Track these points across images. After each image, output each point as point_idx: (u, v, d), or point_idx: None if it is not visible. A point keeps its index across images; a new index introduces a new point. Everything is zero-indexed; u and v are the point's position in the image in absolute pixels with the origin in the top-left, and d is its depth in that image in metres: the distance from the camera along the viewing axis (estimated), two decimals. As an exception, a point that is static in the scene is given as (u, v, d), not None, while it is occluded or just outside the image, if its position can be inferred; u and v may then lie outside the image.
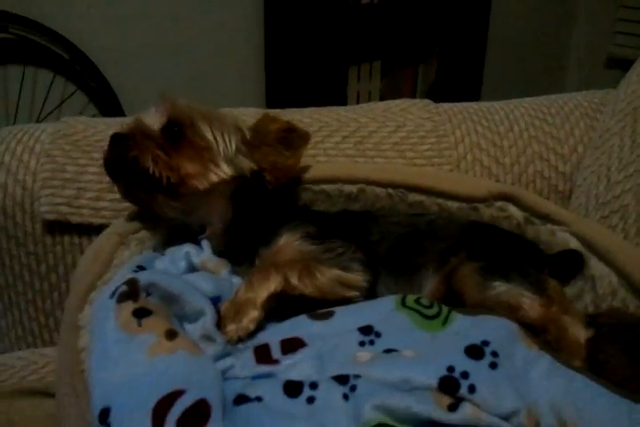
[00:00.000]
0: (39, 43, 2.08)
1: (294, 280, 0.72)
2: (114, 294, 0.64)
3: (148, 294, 0.65)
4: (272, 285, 0.71)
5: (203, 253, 0.80)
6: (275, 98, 2.47)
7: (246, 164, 0.83)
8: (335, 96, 2.49)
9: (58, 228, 0.98)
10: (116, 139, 0.78)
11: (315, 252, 0.77)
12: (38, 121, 2.16)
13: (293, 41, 2.33)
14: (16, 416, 0.82)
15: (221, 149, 0.81)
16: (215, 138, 0.80)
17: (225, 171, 0.80)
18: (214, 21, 2.32)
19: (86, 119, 1.08)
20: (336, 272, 0.75)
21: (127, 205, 0.95)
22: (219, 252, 0.81)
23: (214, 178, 0.80)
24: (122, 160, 0.78)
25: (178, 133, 0.80)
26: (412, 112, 1.12)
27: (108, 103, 2.23)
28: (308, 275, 0.74)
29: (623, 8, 2.92)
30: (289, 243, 0.78)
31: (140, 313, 0.62)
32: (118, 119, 1.09)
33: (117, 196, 0.95)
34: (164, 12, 2.23)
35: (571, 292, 0.83)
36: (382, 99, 2.63)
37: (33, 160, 0.99)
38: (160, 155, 0.77)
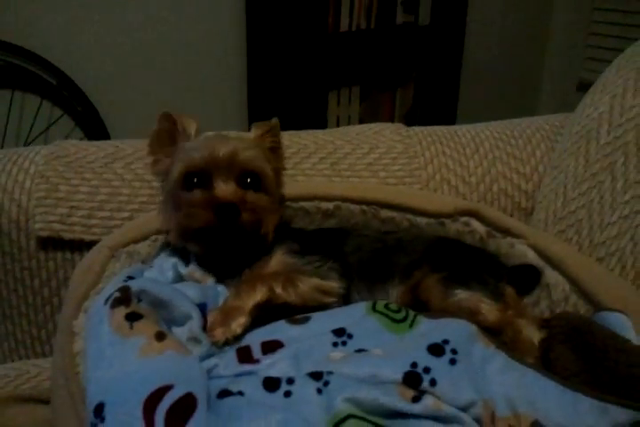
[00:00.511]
0: (27, 69, 2.13)
1: (279, 290, 0.79)
2: (107, 300, 0.70)
3: (139, 300, 0.71)
4: (258, 294, 0.77)
5: (190, 264, 0.86)
6: (256, 121, 2.51)
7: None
8: (316, 120, 2.56)
9: (51, 244, 1.04)
10: (230, 206, 0.80)
11: (296, 264, 0.84)
12: (25, 145, 2.21)
13: (275, 67, 2.39)
14: (9, 422, 0.87)
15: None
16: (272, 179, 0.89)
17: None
18: (198, 50, 2.40)
19: (77, 142, 1.15)
20: (315, 281, 0.82)
21: (117, 222, 1.02)
22: (204, 266, 0.87)
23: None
24: (232, 226, 0.80)
25: (257, 184, 0.85)
26: (385, 135, 1.20)
27: (93, 127, 2.28)
28: (290, 284, 0.80)
29: (593, 35, 3.05)
30: (273, 257, 0.85)
31: (132, 317, 0.68)
32: (108, 142, 1.16)
33: (108, 213, 1.02)
34: (148, 39, 2.30)
35: (528, 299, 0.90)
36: (361, 122, 2.70)
37: (28, 180, 1.04)
38: (261, 213, 0.83)
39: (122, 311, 0.69)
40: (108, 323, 0.68)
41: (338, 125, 2.67)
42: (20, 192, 1.04)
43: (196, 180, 0.83)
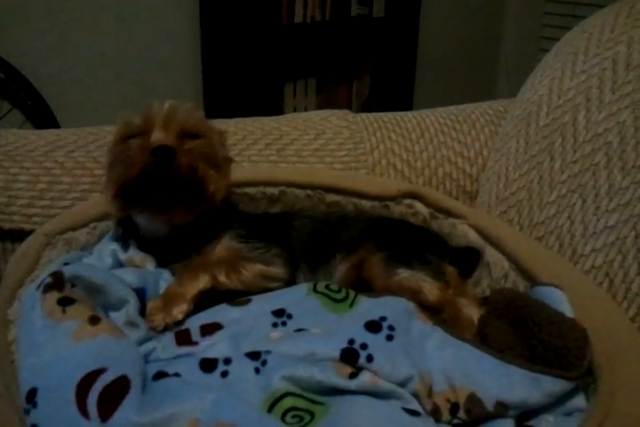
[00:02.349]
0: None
1: (222, 278, 0.78)
2: (40, 285, 0.69)
3: (73, 286, 0.70)
4: (201, 282, 0.76)
5: (129, 250, 0.85)
6: (212, 115, 2.50)
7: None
8: (272, 113, 2.53)
9: (-10, 235, 1.02)
10: (166, 150, 0.77)
11: (241, 250, 0.83)
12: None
13: (230, 60, 2.39)
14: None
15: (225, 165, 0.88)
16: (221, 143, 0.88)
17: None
18: (151, 39, 2.36)
19: (17, 131, 1.13)
20: (259, 267, 0.81)
21: (57, 211, 1.00)
22: (159, 252, 0.85)
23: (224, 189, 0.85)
24: (169, 170, 0.77)
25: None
26: (331, 121, 1.20)
27: (44, 120, 2.24)
28: (234, 272, 0.79)
29: (546, 27, 3.10)
30: (219, 241, 0.84)
31: (65, 302, 0.67)
32: (49, 131, 1.14)
33: (48, 202, 1.00)
34: (99, 31, 2.26)
35: (470, 279, 0.91)
36: (318, 115, 2.72)
37: (-35, 171, 1.02)
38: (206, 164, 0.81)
39: (54, 296, 0.67)
40: (40, 308, 0.67)
41: (294, 118, 2.66)
42: (-43, 183, 1.01)
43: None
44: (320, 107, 2.71)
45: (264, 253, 0.83)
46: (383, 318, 0.70)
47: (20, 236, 1.01)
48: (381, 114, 1.27)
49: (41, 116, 2.23)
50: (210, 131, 0.86)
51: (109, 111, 2.30)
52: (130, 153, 0.78)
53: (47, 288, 0.68)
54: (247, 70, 2.39)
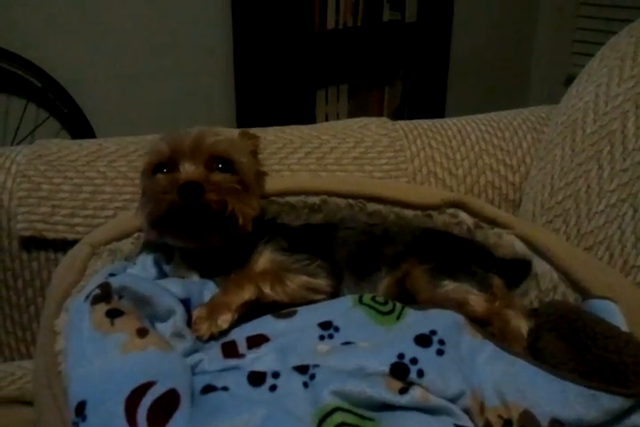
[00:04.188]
0: (10, 71, 2.12)
1: (267, 289, 0.77)
2: (88, 297, 0.69)
3: (120, 297, 0.70)
4: (246, 293, 0.76)
5: (173, 261, 0.85)
6: (245, 122, 2.53)
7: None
8: (304, 118, 2.55)
9: (34, 244, 1.02)
10: (193, 186, 0.78)
11: (285, 262, 0.82)
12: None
13: (262, 66, 2.39)
14: (-5, 424, 0.85)
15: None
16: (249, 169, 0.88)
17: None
18: (185, 50, 2.38)
19: (59, 141, 1.13)
20: (304, 279, 0.80)
21: (100, 220, 1.00)
22: (189, 262, 0.86)
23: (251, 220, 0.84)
24: (196, 206, 0.78)
25: (229, 169, 0.83)
26: (371, 129, 1.19)
27: (80, 129, 2.27)
28: (278, 283, 0.79)
29: (579, 30, 3.06)
30: (262, 254, 0.83)
31: (113, 313, 0.67)
32: (90, 141, 1.15)
33: (91, 212, 1.00)
34: (134, 39, 2.29)
35: (517, 290, 0.89)
36: (350, 121, 2.71)
37: (9, 180, 1.03)
38: (234, 195, 0.81)
39: (102, 308, 0.67)
40: (88, 320, 0.67)
41: (327, 124, 2.66)
42: (1, 192, 1.02)
43: (164, 170, 0.82)
44: (352, 113, 2.71)
45: (308, 265, 0.82)
46: (433, 332, 0.69)
47: (62, 246, 1.02)
48: (420, 121, 1.25)
49: (77, 124, 2.26)
50: (239, 153, 0.86)
51: (144, 119, 2.36)
52: (158, 189, 0.79)
53: (95, 300, 0.68)
54: (279, 76, 2.39)
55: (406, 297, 0.83)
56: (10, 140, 2.20)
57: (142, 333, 0.66)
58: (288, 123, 2.33)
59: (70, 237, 1.00)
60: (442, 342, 0.68)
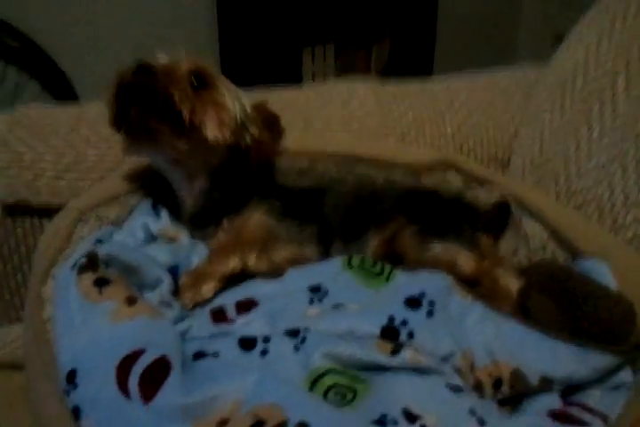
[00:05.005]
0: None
1: (251, 262, 0.76)
2: (74, 266, 0.68)
3: (107, 266, 0.69)
4: (230, 263, 0.75)
5: (161, 222, 0.84)
6: (230, 80, 2.48)
7: (244, 136, 0.85)
8: (290, 78, 2.52)
9: (19, 211, 1.00)
10: (144, 68, 0.76)
11: (276, 227, 0.81)
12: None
13: (247, 25, 2.35)
14: (-15, 390, 0.85)
15: (233, 114, 0.83)
16: (232, 102, 0.83)
17: (229, 134, 0.82)
18: (168, 6, 2.33)
19: (40, 106, 1.10)
20: (291, 250, 0.80)
21: (86, 183, 0.99)
22: (187, 214, 0.85)
23: (225, 134, 0.81)
24: (146, 89, 0.76)
25: (203, 83, 0.80)
26: (357, 90, 1.17)
27: (61, 90, 2.23)
28: (265, 254, 0.78)
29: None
30: (254, 216, 0.82)
31: (100, 282, 0.66)
32: (69, 105, 1.12)
33: (76, 175, 0.99)
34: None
35: (506, 249, 0.89)
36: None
37: (-10, 149, 1.01)
38: (189, 94, 0.77)
39: (90, 277, 0.66)
40: (75, 289, 0.66)
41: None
42: (-18, 162, 1.00)
43: None
44: (339, 72, 2.67)
45: (298, 232, 0.82)
46: (422, 294, 0.69)
47: (47, 212, 1.00)
48: (408, 82, 1.23)
49: (58, 86, 2.22)
50: (225, 81, 0.84)
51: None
52: (116, 79, 0.78)
53: (82, 269, 0.67)
54: (265, 35, 2.35)
55: (395, 258, 0.83)
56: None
57: (131, 301, 0.65)
58: (274, 82, 2.30)
59: (55, 201, 0.98)
60: (431, 304, 0.68)
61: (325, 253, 0.83)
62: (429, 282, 0.71)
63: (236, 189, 0.86)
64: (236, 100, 0.84)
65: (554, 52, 1.15)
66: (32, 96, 2.20)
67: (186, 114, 0.76)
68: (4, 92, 2.17)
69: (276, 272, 0.78)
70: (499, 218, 0.89)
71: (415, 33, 2.79)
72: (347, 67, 2.72)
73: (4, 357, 0.90)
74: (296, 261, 0.80)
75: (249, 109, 0.87)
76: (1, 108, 2.12)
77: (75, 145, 1.02)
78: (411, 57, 2.82)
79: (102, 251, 0.70)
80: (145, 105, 0.76)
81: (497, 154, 1.14)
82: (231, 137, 0.82)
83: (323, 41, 2.59)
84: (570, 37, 1.13)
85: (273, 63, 2.41)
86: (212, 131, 0.79)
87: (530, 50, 3.23)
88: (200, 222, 0.85)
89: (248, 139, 0.85)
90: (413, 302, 0.68)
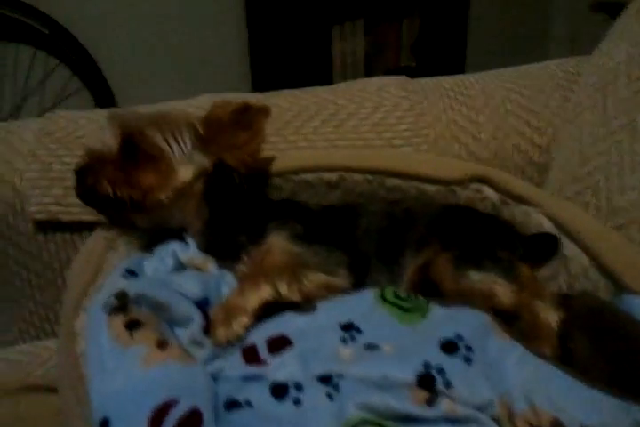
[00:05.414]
0: (17, 19, 2.06)
1: (283, 290, 0.74)
2: (105, 306, 0.67)
3: (138, 305, 0.68)
4: (262, 294, 0.74)
5: (189, 250, 0.83)
6: (259, 60, 2.46)
7: (204, 158, 0.85)
8: (319, 56, 2.48)
9: (50, 226, 1.01)
10: (79, 172, 0.83)
11: (303, 254, 0.79)
12: (22, 97, 2.17)
13: (275, 4, 2.31)
14: (25, 413, 0.86)
15: (176, 153, 0.83)
16: (168, 142, 0.82)
17: (184, 174, 0.83)
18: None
19: (68, 114, 1.09)
20: (323, 278, 0.78)
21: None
22: (203, 248, 0.84)
23: (176, 184, 0.82)
24: (87, 190, 0.83)
25: (133, 149, 0.82)
26: (389, 91, 1.13)
27: (90, 74, 2.23)
28: (295, 282, 0.76)
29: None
30: (277, 243, 0.80)
31: (131, 325, 0.66)
32: (98, 112, 1.10)
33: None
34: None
35: (545, 272, 0.86)
36: (367, 56, 2.62)
37: (19, 161, 1.00)
38: (117, 176, 0.81)
39: (120, 319, 0.66)
40: (106, 331, 0.66)
41: (343, 60, 2.58)
42: (12, 174, 1.00)
43: None
44: (368, 49, 2.61)
45: (327, 258, 0.80)
46: (460, 337, 0.67)
47: (78, 227, 1.00)
48: (441, 79, 1.19)
49: (87, 70, 2.22)
50: (158, 128, 0.83)
51: (153, 60, 2.29)
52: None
53: (113, 311, 0.67)
54: (294, 14, 2.32)
55: (430, 285, 0.81)
56: (20, 90, 2.17)
57: (162, 345, 0.65)
58: (304, 61, 2.26)
59: (85, 218, 0.98)
60: (469, 348, 0.66)
61: (357, 280, 0.82)
62: (466, 322, 0.69)
63: (243, 215, 0.86)
64: (175, 135, 0.83)
65: (590, 20, 1.08)
66: (61, 80, 2.21)
67: (126, 198, 0.81)
68: (34, 78, 2.17)
69: (307, 302, 0.76)
70: (543, 250, 0.86)
71: (447, 5, 2.71)
72: (377, 43, 2.66)
73: (41, 379, 0.91)
74: (328, 289, 0.78)
75: (200, 126, 0.85)
76: (31, 95, 2.16)
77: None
78: (442, 31, 2.74)
79: (132, 289, 0.69)
80: (99, 205, 0.85)
81: (534, 158, 1.10)
82: (185, 176, 0.83)
83: (352, 17, 2.53)
84: (613, 31, 1.07)
85: (302, 42, 2.37)
86: (160, 192, 0.82)
87: (566, 16, 3.12)
88: (220, 253, 0.83)
89: (208, 159, 0.85)
90: (450, 347, 0.66)
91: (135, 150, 0.82)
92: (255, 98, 1.11)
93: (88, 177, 0.82)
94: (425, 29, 2.73)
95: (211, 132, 0.85)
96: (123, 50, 2.28)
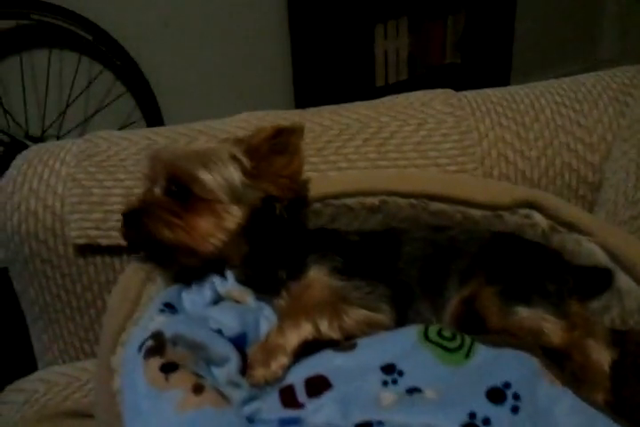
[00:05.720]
0: (61, 26, 2.08)
1: (324, 328, 0.72)
2: (141, 347, 0.66)
3: (175, 345, 0.67)
4: (303, 333, 0.72)
5: (227, 282, 0.81)
6: (302, 60, 2.45)
7: (254, 194, 0.82)
8: (362, 55, 2.45)
9: (89, 250, 1.00)
10: (128, 217, 0.81)
11: (343, 289, 0.77)
12: (68, 103, 2.19)
13: (318, 3, 2.30)
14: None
15: (227, 193, 0.80)
16: (218, 183, 0.80)
17: (238, 214, 0.80)
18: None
19: (109, 134, 1.08)
20: (364, 314, 0.75)
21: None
22: (242, 281, 0.82)
23: (231, 226, 0.80)
24: (140, 234, 0.80)
25: (184, 191, 0.80)
26: (434, 106, 1.10)
27: (134, 80, 2.24)
28: (336, 319, 0.74)
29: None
30: (317, 278, 0.78)
31: (167, 368, 0.64)
32: (140, 133, 1.09)
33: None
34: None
35: (597, 305, 0.82)
36: (411, 56, 2.58)
37: (60, 185, 1.00)
38: (174, 221, 0.78)
39: (156, 362, 0.65)
40: (142, 374, 0.64)
41: (386, 59, 2.55)
42: (52, 198, 0.99)
43: None
44: (412, 48, 2.57)
45: (369, 293, 0.77)
46: (507, 385, 0.64)
47: (118, 250, 1.00)
48: (489, 92, 1.14)
49: (131, 75, 2.23)
50: (206, 168, 0.80)
51: (196, 66, 2.29)
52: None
53: (149, 353, 0.66)
54: (337, 12, 2.29)
55: (475, 318, 0.78)
56: (66, 96, 2.19)
57: (198, 389, 0.63)
58: (347, 60, 2.23)
59: (125, 242, 0.97)
60: (516, 397, 0.63)
61: (400, 314, 0.79)
62: (514, 368, 0.66)
63: (282, 247, 0.84)
64: (223, 174, 0.81)
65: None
66: (106, 86, 2.23)
67: (182, 244, 0.78)
68: (79, 84, 2.19)
69: (347, 339, 0.74)
70: (594, 283, 0.82)
71: (493, 1, 2.64)
72: (421, 42, 2.61)
73: (78, 405, 0.91)
74: (369, 326, 0.76)
75: (244, 159, 0.82)
76: (77, 101, 2.18)
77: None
78: (489, 27, 2.68)
79: (169, 329, 0.68)
80: (150, 249, 0.83)
81: (587, 177, 1.05)
82: (239, 216, 0.81)
83: (395, 15, 2.49)
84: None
85: (344, 41, 2.35)
86: (216, 239, 0.79)
87: (616, 22, 3.02)
88: (259, 287, 0.82)
89: (258, 195, 0.82)
90: (497, 395, 0.63)
91: (186, 193, 0.80)
92: (295, 116, 1.09)
93: (143, 221, 0.79)
94: (470, 26, 2.67)
95: (255, 165, 0.82)
96: (166, 54, 2.29)
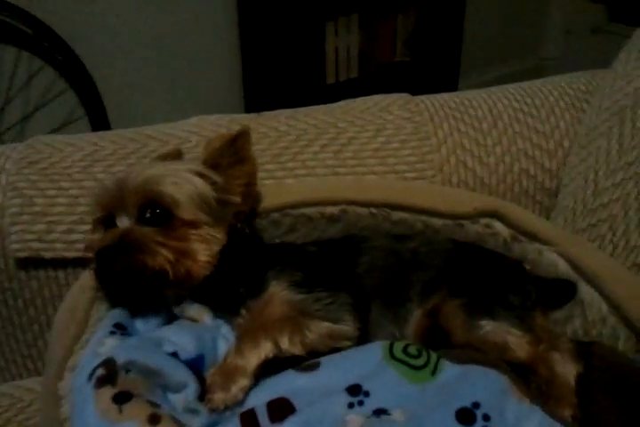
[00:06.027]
0: (1, 20, 1.99)
1: (285, 345, 0.69)
2: (91, 376, 0.62)
3: (127, 371, 0.63)
4: (262, 352, 0.68)
5: (182, 301, 0.77)
6: (251, 58, 2.41)
7: (229, 210, 0.78)
8: (313, 52, 2.42)
9: (32, 263, 0.95)
10: (103, 255, 0.71)
11: (303, 302, 0.74)
12: (7, 99, 2.10)
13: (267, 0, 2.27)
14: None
15: (208, 213, 0.75)
16: (197, 203, 0.75)
17: (221, 233, 0.76)
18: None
19: (52, 140, 1.02)
20: (326, 326, 0.72)
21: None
22: (199, 300, 0.78)
23: (218, 247, 0.75)
24: (121, 273, 0.71)
25: (162, 216, 0.74)
26: (392, 112, 1.07)
27: (77, 76, 2.16)
28: (298, 334, 0.71)
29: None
30: (276, 293, 0.75)
31: (120, 398, 0.60)
32: (85, 138, 1.04)
33: (90, 227, 0.92)
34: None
35: (560, 315, 0.82)
36: (361, 53, 2.57)
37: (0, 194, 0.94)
38: (161, 251, 0.71)
39: (108, 392, 0.60)
40: (93, 405, 0.60)
41: (337, 56, 2.53)
42: (-9, 209, 0.94)
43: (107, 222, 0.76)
44: (363, 45, 2.55)
45: (330, 304, 0.74)
46: (476, 405, 0.62)
47: (62, 263, 0.94)
48: (447, 97, 1.13)
49: (73, 71, 2.15)
50: (181, 190, 0.74)
51: (141, 60, 2.23)
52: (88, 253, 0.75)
53: (100, 382, 0.61)
54: (287, 8, 2.27)
55: (439, 332, 0.76)
56: (4, 92, 2.10)
57: (154, 420, 0.59)
58: (297, 58, 2.20)
59: (69, 255, 0.93)
60: (486, 418, 0.61)
61: (362, 325, 0.76)
62: (483, 385, 0.64)
63: (240, 260, 0.79)
64: (199, 193, 0.75)
65: (588, 8, 1.03)
66: (47, 82, 2.14)
67: (174, 275, 0.72)
68: (19, 80, 2.11)
69: (311, 354, 0.71)
70: (558, 295, 0.81)
71: (443, 1, 2.65)
72: (371, 39, 2.61)
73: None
74: (332, 338, 0.73)
75: (211, 174, 0.77)
76: (16, 96, 2.09)
77: (89, 190, 0.94)
78: (438, 25, 2.70)
79: (121, 355, 0.64)
80: (131, 286, 0.73)
81: (544, 183, 1.05)
82: (223, 237, 0.76)
83: (346, 13, 2.49)
84: (628, 51, 1.02)
85: (295, 38, 2.33)
86: (205, 265, 0.74)
87: (562, 18, 3.08)
88: (217, 305, 0.78)
89: (232, 211, 0.79)
90: (466, 416, 0.61)
91: (165, 217, 0.73)
92: (249, 120, 1.05)
93: (126, 257, 0.70)
94: (421, 24, 2.68)
95: (223, 178, 0.78)
96: (110, 49, 2.22)
